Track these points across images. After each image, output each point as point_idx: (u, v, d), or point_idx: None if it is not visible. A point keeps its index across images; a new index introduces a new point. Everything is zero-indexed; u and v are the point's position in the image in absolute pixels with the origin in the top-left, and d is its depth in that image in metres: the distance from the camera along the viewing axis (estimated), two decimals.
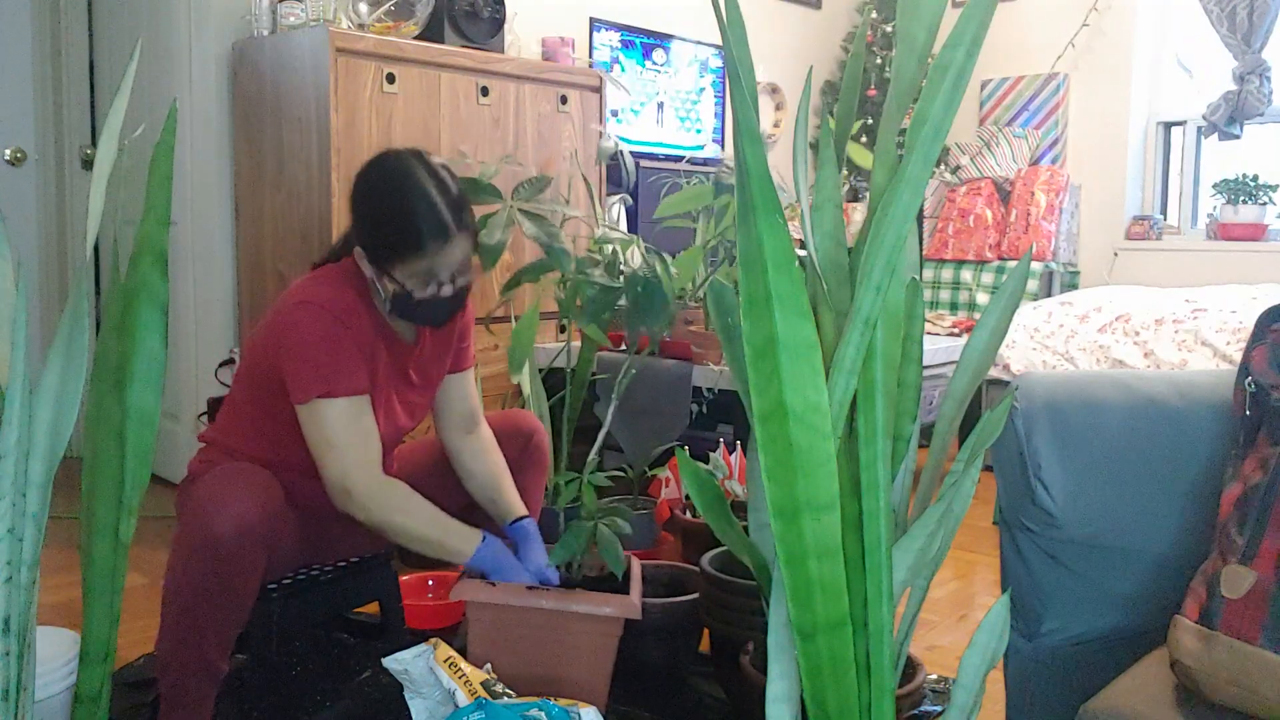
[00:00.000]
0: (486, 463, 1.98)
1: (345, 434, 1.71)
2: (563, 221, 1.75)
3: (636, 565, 1.87)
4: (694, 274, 1.80)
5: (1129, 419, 1.37)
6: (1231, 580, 1.12)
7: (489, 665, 1.63)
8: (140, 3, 3.47)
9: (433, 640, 1.59)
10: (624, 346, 2.80)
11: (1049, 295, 4.51)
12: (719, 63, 4.59)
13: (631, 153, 4.18)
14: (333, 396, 1.71)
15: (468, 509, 2.09)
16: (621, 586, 1.79)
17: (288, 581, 1.88)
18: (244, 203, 3.21)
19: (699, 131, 4.56)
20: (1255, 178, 4.53)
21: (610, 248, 1.76)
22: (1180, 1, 4.81)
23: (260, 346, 1.81)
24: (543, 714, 1.47)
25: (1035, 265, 4.61)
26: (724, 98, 4.64)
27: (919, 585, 1.12)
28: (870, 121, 5.03)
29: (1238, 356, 1.34)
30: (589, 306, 1.67)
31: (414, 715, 1.57)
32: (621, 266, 1.78)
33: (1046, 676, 1.41)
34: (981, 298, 4.70)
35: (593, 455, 1.80)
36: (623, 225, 3.67)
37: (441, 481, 2.00)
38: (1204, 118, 4.66)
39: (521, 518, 1.92)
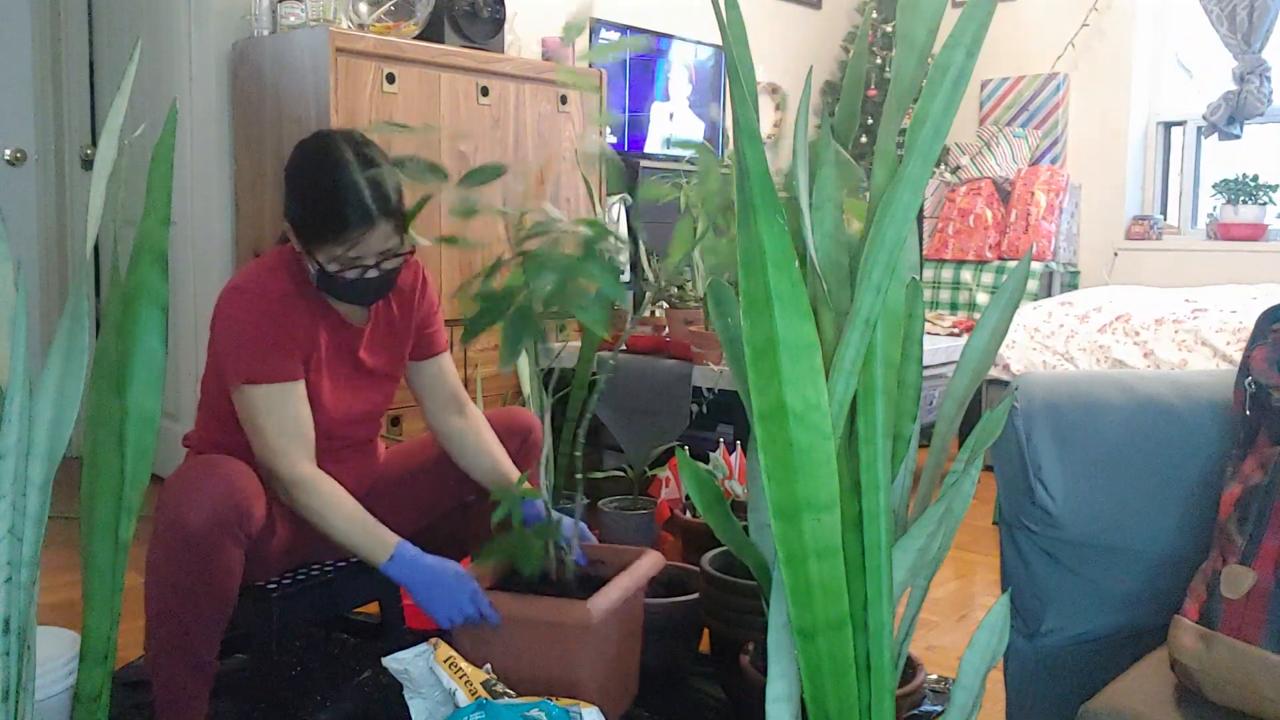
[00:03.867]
0: (481, 442, 1.97)
1: (269, 421, 1.72)
2: (520, 217, 1.65)
3: (648, 561, 1.84)
4: (684, 250, 1.67)
5: (1129, 419, 1.37)
6: (1231, 580, 1.12)
7: (489, 665, 1.63)
8: (140, 3, 3.47)
9: (433, 640, 1.59)
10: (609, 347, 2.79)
11: (1049, 295, 4.51)
12: (719, 63, 4.59)
13: (632, 153, 4.18)
14: (255, 383, 1.72)
15: (465, 506, 2.08)
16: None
17: (288, 581, 1.88)
18: (244, 203, 3.21)
19: (700, 132, 4.56)
20: (1255, 178, 4.53)
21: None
22: (1180, 1, 4.81)
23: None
24: (543, 714, 1.47)
25: (1035, 265, 4.62)
26: (724, 98, 4.64)
27: (919, 585, 1.12)
28: (870, 121, 5.03)
29: (1238, 356, 1.34)
30: (474, 321, 1.55)
31: (414, 715, 1.57)
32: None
33: (1046, 676, 1.41)
34: (981, 298, 4.70)
35: (579, 435, 1.76)
36: (623, 226, 3.67)
37: (441, 479, 2.00)
38: (1204, 118, 4.66)
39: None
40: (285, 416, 1.73)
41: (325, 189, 1.71)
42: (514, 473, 1.94)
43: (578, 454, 1.80)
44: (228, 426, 1.81)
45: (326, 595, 1.95)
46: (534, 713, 1.47)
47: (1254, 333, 1.26)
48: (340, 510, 1.74)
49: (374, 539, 1.74)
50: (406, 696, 1.58)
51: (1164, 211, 5.06)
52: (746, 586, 1.82)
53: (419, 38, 3.19)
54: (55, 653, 1.59)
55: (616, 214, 3.62)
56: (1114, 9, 4.86)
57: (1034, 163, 4.96)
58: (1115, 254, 4.92)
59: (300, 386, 1.77)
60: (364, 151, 1.75)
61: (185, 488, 1.62)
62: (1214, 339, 3.08)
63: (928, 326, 3.91)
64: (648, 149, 4.30)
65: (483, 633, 1.68)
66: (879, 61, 5.04)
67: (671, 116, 4.42)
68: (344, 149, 1.73)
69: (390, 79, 3.00)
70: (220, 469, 1.66)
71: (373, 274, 1.76)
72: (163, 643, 1.64)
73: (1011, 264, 4.68)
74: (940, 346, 3.34)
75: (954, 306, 4.78)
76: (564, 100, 3.45)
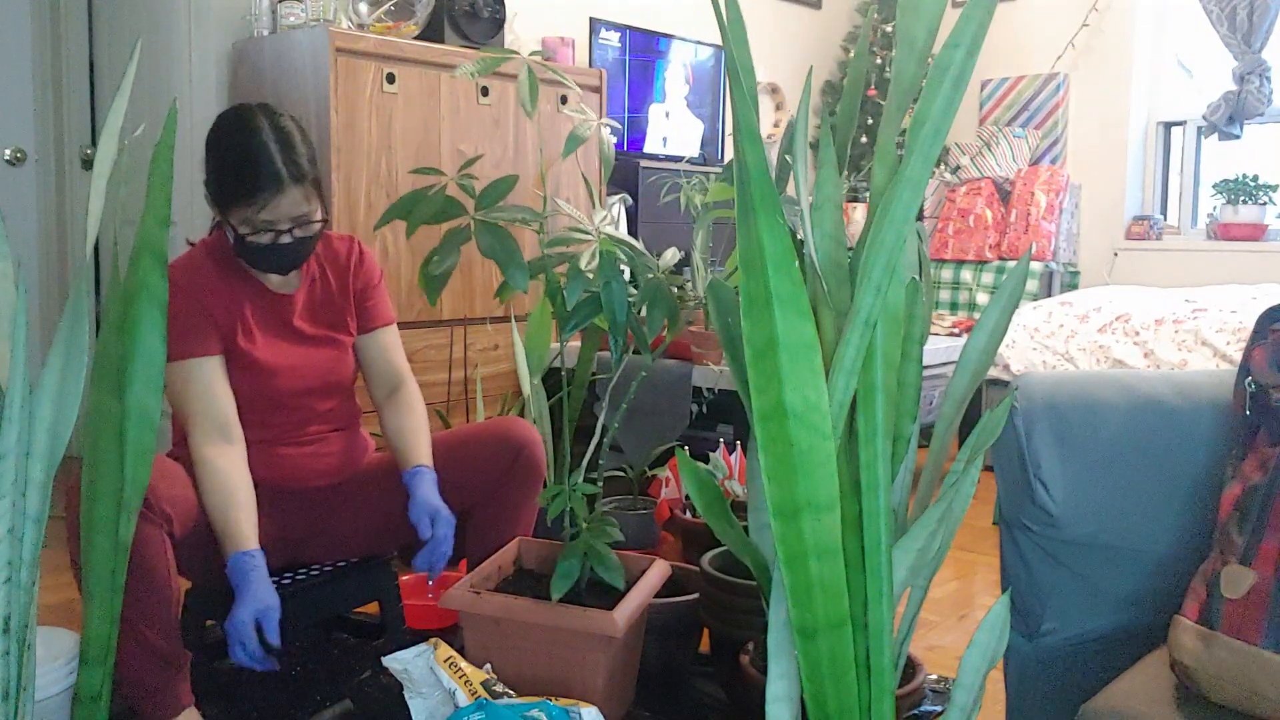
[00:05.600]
0: (398, 418, 1.98)
1: (179, 398, 1.76)
2: (540, 228, 1.65)
3: (658, 570, 1.84)
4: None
5: (1129, 419, 1.37)
6: (1231, 580, 1.12)
7: (489, 665, 1.63)
8: (140, 3, 3.47)
9: (433, 640, 1.60)
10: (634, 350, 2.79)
11: (1049, 295, 4.51)
12: (718, 63, 4.59)
13: (632, 153, 4.18)
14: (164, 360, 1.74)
15: (463, 516, 2.08)
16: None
17: (287, 581, 1.88)
18: None
19: (699, 132, 4.57)
20: (1255, 178, 4.53)
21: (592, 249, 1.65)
22: (1180, 1, 4.81)
23: None
24: (542, 714, 1.47)
25: (1035, 265, 4.62)
26: (723, 98, 4.64)
27: (919, 585, 1.12)
28: (870, 121, 5.03)
29: (1238, 356, 1.34)
30: (572, 315, 1.59)
31: (414, 715, 1.57)
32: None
33: (1046, 676, 1.41)
34: (981, 298, 4.70)
35: (589, 456, 1.77)
36: (623, 225, 3.67)
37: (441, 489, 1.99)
38: (1204, 118, 4.66)
39: (411, 465, 1.91)
40: (192, 393, 1.76)
41: (238, 152, 1.76)
42: (415, 452, 1.93)
43: (595, 476, 1.79)
44: None
45: (326, 595, 1.95)
46: (534, 713, 1.47)
47: (1254, 333, 1.26)
48: (217, 493, 1.72)
49: (230, 534, 1.70)
50: (406, 696, 1.58)
51: (1164, 211, 5.06)
52: (746, 586, 1.82)
53: (419, 38, 3.19)
54: (55, 653, 1.59)
55: (617, 213, 3.62)
56: (1114, 9, 4.86)
57: (1034, 163, 4.96)
58: (1115, 254, 4.92)
59: (212, 363, 1.78)
60: (279, 122, 1.80)
61: None
62: (1214, 339, 3.08)
63: None
64: (647, 149, 4.30)
65: (501, 636, 1.68)
66: (879, 61, 5.04)
67: (668, 115, 4.42)
68: (258, 117, 1.79)
69: (390, 79, 3.00)
70: None
71: (286, 239, 1.79)
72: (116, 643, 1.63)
73: (1011, 264, 4.68)
74: (940, 346, 3.34)
75: (954, 306, 4.78)
76: (564, 100, 3.45)
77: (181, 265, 1.82)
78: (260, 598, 1.67)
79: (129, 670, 1.64)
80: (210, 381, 1.77)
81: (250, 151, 1.75)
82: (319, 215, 1.82)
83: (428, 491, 1.86)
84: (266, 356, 1.84)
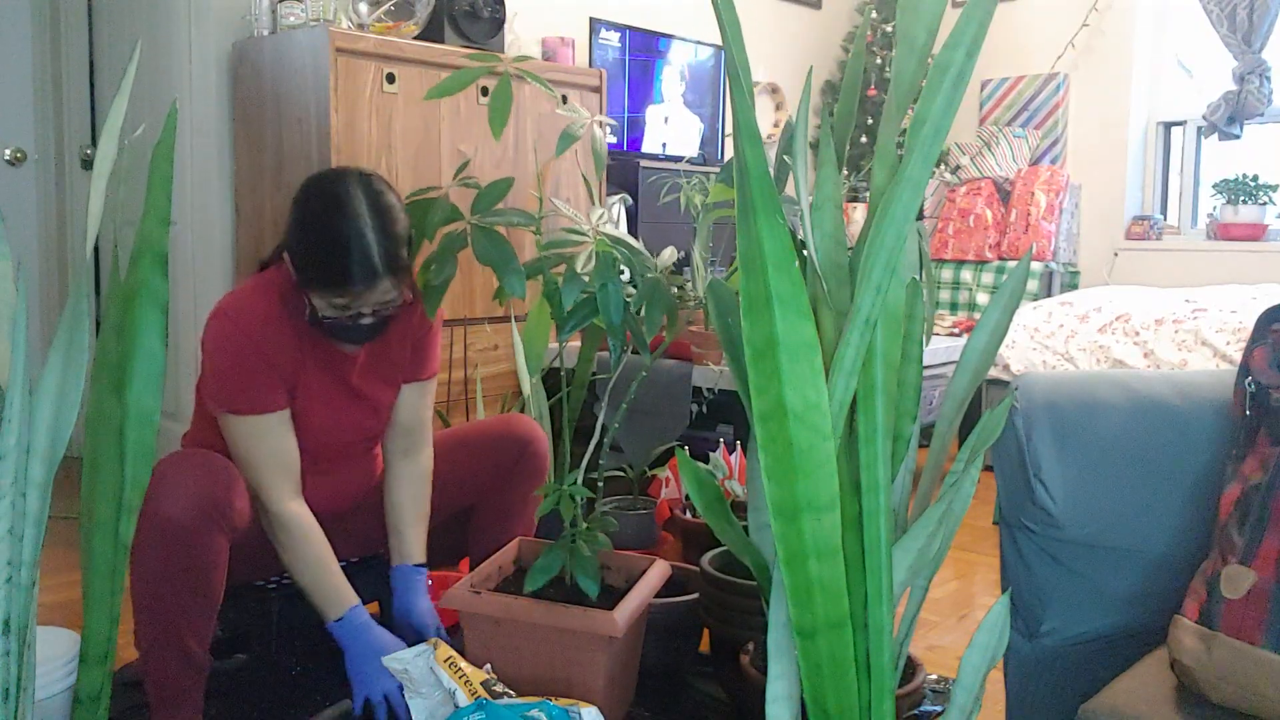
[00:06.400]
0: (406, 495, 1.93)
1: (250, 453, 1.73)
2: (537, 229, 1.64)
3: (658, 570, 1.84)
4: None
5: (1129, 419, 1.37)
6: (1231, 580, 1.12)
7: (489, 665, 1.63)
8: (140, 3, 3.47)
9: (433, 640, 1.60)
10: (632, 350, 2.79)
11: (1049, 295, 4.51)
12: (718, 63, 4.59)
13: (631, 153, 4.18)
14: (236, 414, 1.72)
15: (465, 514, 2.08)
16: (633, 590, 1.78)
17: (288, 581, 1.88)
18: (244, 203, 3.21)
19: (699, 131, 4.57)
20: (1255, 178, 4.53)
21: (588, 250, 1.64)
22: (1180, 1, 4.81)
23: None
24: (542, 714, 1.47)
25: (1035, 265, 4.62)
26: (723, 98, 4.64)
27: (919, 585, 1.12)
28: (870, 121, 5.03)
29: (1238, 356, 1.34)
30: (570, 317, 1.58)
31: (414, 715, 1.57)
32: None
33: (1046, 676, 1.41)
34: (981, 298, 4.70)
35: (587, 458, 1.77)
36: (623, 225, 3.67)
37: (440, 489, 1.98)
38: (1204, 118, 4.66)
39: (411, 563, 1.90)
40: (267, 449, 1.73)
41: (333, 240, 1.64)
42: (411, 548, 1.91)
43: (595, 476, 1.78)
44: (219, 430, 1.81)
45: None
46: (534, 713, 1.47)
47: (1254, 333, 1.26)
48: (309, 555, 1.74)
49: (333, 592, 1.74)
50: (406, 696, 1.58)
51: (1164, 211, 5.06)
52: (746, 586, 1.82)
53: (419, 38, 3.19)
54: (55, 653, 1.59)
55: (617, 213, 3.62)
56: (1114, 9, 4.86)
57: (1034, 163, 4.96)
58: (1115, 254, 4.92)
59: (282, 417, 1.76)
60: (380, 201, 1.68)
61: (164, 481, 1.61)
62: (1214, 339, 3.08)
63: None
64: (647, 149, 4.30)
65: (501, 636, 1.68)
66: (879, 61, 5.03)
67: (666, 120, 4.42)
68: (358, 196, 1.66)
69: (390, 79, 3.00)
70: (198, 460, 1.65)
71: (367, 320, 1.72)
72: (151, 639, 1.64)
73: (1011, 264, 4.68)
74: (940, 346, 3.34)
75: (954, 306, 4.78)
76: (564, 100, 3.45)
77: (257, 315, 1.74)
78: (395, 642, 1.75)
79: (162, 675, 1.65)
80: (282, 436, 1.75)
81: (346, 240, 1.63)
82: (404, 296, 1.74)
83: (425, 605, 1.88)
84: (322, 418, 1.82)
